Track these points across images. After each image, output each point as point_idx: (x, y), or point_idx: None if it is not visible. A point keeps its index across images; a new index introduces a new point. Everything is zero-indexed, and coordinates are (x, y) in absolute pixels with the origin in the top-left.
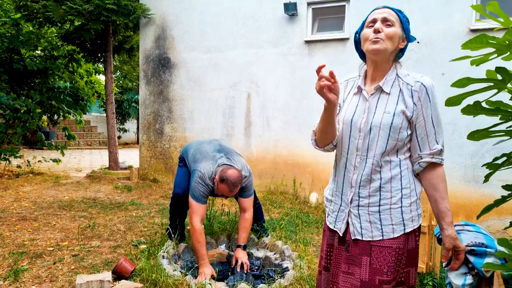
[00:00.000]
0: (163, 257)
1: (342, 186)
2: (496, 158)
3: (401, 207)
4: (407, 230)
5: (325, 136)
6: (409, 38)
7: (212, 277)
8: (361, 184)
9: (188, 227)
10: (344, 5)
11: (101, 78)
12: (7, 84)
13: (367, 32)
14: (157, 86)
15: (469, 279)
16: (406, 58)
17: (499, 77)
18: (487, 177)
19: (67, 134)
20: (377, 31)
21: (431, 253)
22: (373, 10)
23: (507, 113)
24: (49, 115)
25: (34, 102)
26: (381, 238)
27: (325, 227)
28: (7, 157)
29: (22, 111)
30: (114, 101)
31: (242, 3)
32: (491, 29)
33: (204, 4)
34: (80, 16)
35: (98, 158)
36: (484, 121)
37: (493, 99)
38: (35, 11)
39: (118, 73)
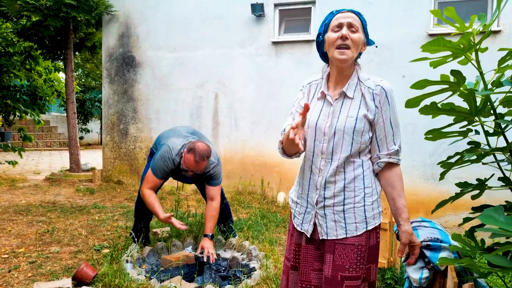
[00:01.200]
0: (127, 261)
1: (308, 188)
2: (450, 157)
3: (364, 205)
4: (369, 228)
5: (292, 148)
6: (368, 42)
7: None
8: (326, 186)
9: (154, 230)
10: (310, 8)
11: (62, 76)
12: None
13: (333, 36)
14: (121, 85)
15: (425, 273)
16: (369, 61)
17: (453, 79)
18: (442, 175)
19: (22, 135)
20: (344, 38)
21: (392, 249)
22: (337, 13)
23: (460, 113)
24: (4, 115)
25: None
26: (345, 236)
27: (291, 228)
28: None
29: None
30: (75, 100)
31: (209, 3)
32: (449, 34)
33: (170, 3)
34: (37, 11)
35: (58, 160)
36: (441, 122)
37: (450, 99)
38: None
39: (80, 71)
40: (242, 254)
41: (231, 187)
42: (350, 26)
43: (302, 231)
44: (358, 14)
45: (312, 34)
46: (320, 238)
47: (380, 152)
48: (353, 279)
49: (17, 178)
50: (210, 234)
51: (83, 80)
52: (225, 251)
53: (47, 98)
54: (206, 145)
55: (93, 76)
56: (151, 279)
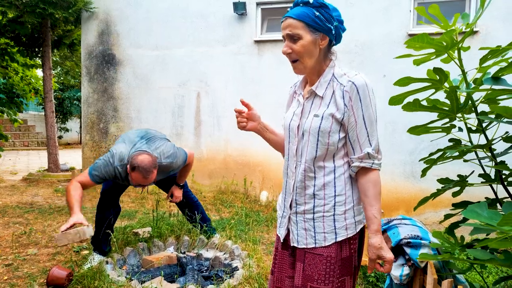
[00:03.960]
0: (107, 262)
1: (285, 191)
2: (432, 154)
3: (333, 214)
4: (339, 239)
5: (277, 148)
6: (331, 31)
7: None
8: (297, 190)
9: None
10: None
11: (39, 73)
12: None
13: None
14: (101, 83)
15: (406, 270)
16: (350, 61)
17: (436, 77)
18: (424, 172)
19: None
20: (287, 55)
21: None
22: (281, 22)
23: (443, 110)
24: None
25: None
26: (314, 245)
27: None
28: None
29: None
30: (53, 99)
31: (191, 1)
32: (430, 34)
33: (150, 0)
34: (13, 7)
35: (36, 160)
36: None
37: (435, 97)
38: None
39: (59, 69)
40: (224, 254)
41: (213, 186)
42: (291, 36)
43: (279, 235)
44: (297, 16)
45: None
46: (292, 245)
47: (354, 156)
48: None
49: None
50: (181, 184)
51: (62, 78)
52: (207, 250)
53: (25, 95)
54: (149, 156)
55: (73, 74)
56: (132, 280)
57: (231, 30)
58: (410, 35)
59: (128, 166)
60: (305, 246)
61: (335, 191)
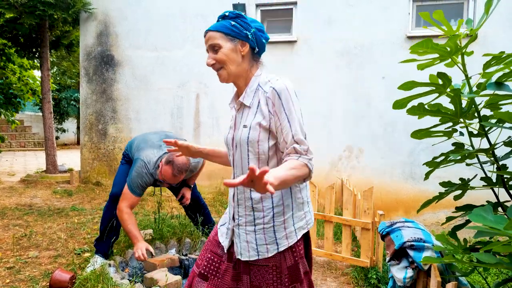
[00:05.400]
0: (110, 265)
1: (229, 203)
2: (435, 158)
3: (273, 225)
4: (281, 249)
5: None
6: (248, 38)
7: (150, 254)
8: (238, 202)
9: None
10: (292, 8)
11: (36, 74)
12: None
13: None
14: (100, 84)
15: (409, 272)
16: (349, 62)
17: (440, 82)
18: (427, 175)
19: None
20: (211, 65)
21: (374, 248)
22: (204, 37)
23: (446, 115)
24: None
25: None
26: (257, 258)
27: (213, 233)
28: None
29: None
30: (51, 99)
31: (190, 2)
32: (428, 37)
33: (150, 1)
34: (11, 8)
35: (34, 161)
36: (420, 122)
37: (436, 100)
38: None
39: (55, 69)
40: None
41: (212, 187)
42: (212, 48)
43: (222, 244)
44: (215, 28)
45: (294, 35)
46: (236, 257)
47: (283, 155)
48: None
49: None
50: (191, 185)
51: (58, 78)
52: None
53: (22, 95)
54: (186, 159)
55: (70, 74)
56: (136, 283)
57: None
58: (409, 37)
59: (161, 161)
60: (248, 259)
61: (272, 202)
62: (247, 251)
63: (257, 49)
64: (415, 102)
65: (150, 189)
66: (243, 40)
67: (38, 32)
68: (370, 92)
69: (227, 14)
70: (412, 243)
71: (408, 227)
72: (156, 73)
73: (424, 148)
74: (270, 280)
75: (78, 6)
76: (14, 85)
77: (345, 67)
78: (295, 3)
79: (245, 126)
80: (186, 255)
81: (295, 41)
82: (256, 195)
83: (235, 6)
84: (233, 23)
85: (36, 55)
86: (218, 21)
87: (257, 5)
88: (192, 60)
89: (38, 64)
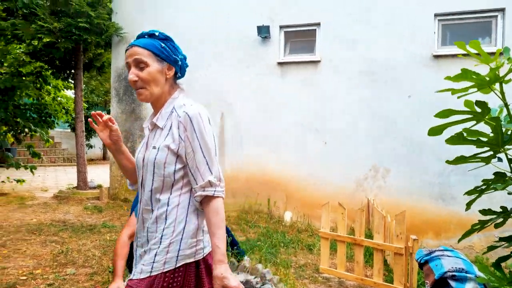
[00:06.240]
0: None
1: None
2: (477, 187)
3: (158, 248)
4: (154, 273)
5: (127, 175)
6: (177, 63)
7: None
8: (143, 223)
9: None
10: (315, 29)
11: (68, 93)
12: None
13: (129, 78)
14: (129, 104)
15: None
16: (373, 81)
17: (478, 109)
18: (468, 205)
19: (31, 152)
20: (133, 82)
21: (408, 273)
22: (126, 51)
23: (487, 144)
24: (13, 133)
25: None
26: (132, 277)
27: None
28: None
29: None
30: (83, 118)
31: (215, 24)
32: (454, 55)
33: (178, 26)
34: (50, 34)
35: (64, 176)
36: (449, 145)
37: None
38: (3, 29)
39: (84, 87)
40: (255, 278)
41: (237, 205)
42: (137, 64)
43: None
44: (144, 45)
45: (317, 55)
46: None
47: (196, 185)
48: None
49: (26, 195)
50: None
51: (86, 96)
52: (238, 274)
53: (56, 114)
54: None
55: (97, 92)
56: None
57: (255, 52)
58: (435, 56)
59: None
60: (132, 277)
61: (165, 224)
62: (135, 269)
63: (179, 74)
64: (449, 128)
65: None
66: (170, 64)
67: (73, 55)
68: (395, 112)
69: (156, 33)
70: (453, 273)
71: (448, 256)
72: None
73: (454, 169)
74: None
75: (111, 31)
76: (49, 105)
77: (369, 86)
78: (318, 24)
79: (154, 147)
80: None
81: (318, 61)
82: (153, 215)
83: (259, 28)
84: (163, 45)
85: (70, 77)
86: (143, 37)
87: (281, 27)
88: (217, 80)
89: (72, 85)
